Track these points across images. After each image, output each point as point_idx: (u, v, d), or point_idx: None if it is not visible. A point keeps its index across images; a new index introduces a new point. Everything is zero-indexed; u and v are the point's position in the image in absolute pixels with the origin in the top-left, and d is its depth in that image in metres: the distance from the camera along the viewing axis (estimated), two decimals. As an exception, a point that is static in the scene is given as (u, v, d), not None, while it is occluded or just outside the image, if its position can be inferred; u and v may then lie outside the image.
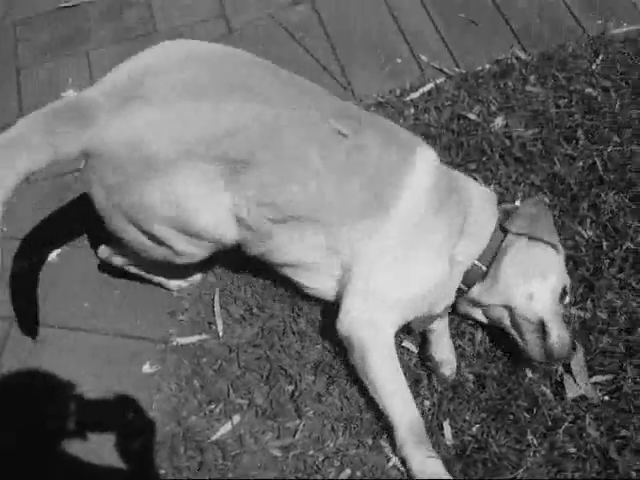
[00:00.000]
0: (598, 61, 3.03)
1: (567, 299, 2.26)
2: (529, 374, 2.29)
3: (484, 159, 2.71)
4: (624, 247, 2.47)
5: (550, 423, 2.20)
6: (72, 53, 3.28)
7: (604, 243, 2.50)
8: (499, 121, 2.83)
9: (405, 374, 2.18)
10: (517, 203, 2.51)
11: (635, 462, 2.11)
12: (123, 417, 2.34)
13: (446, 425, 2.23)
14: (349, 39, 3.19)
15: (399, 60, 3.11)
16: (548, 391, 2.27)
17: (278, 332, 2.43)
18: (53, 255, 2.68)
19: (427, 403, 2.29)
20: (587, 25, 3.15)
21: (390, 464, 2.19)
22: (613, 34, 3.14)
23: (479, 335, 2.38)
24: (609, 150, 2.72)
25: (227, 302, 2.51)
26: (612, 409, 2.21)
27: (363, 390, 2.26)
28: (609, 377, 2.29)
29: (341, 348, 2.28)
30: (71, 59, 3.26)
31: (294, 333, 2.42)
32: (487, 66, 3.04)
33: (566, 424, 2.19)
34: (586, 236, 2.53)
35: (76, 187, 2.81)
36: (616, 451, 2.13)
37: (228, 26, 3.29)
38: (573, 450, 2.16)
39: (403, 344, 2.39)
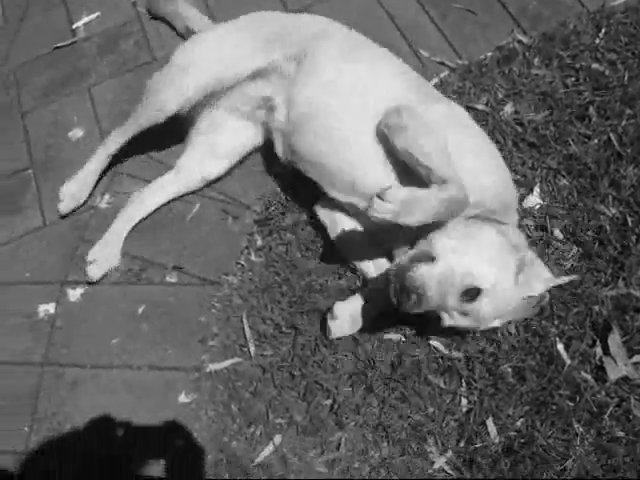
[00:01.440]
0: (601, 35, 2.97)
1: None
2: (568, 361, 2.25)
3: (498, 148, 2.67)
4: (650, 221, 2.43)
5: (595, 409, 2.16)
6: (74, 91, 3.28)
7: (629, 219, 2.45)
8: (508, 108, 2.78)
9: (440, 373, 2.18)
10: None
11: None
12: (170, 445, 2.34)
13: (489, 422, 2.20)
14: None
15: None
16: (589, 377, 2.23)
17: (310, 347, 2.41)
18: (77, 294, 2.68)
19: (465, 402, 2.26)
20: (586, 0, 3.10)
21: (437, 466, 2.17)
22: (613, 5, 3.08)
23: (513, 328, 2.34)
24: (623, 124, 2.67)
25: (256, 323, 2.49)
26: (662, 392, 2.16)
27: (402, 397, 2.25)
28: (650, 355, 2.25)
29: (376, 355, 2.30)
30: (74, 97, 3.26)
31: (326, 346, 2.39)
32: (489, 54, 2.99)
33: (611, 408, 2.16)
34: (610, 214, 2.48)
35: (93, 224, 2.81)
36: (666, 431, 2.10)
37: (225, 46, 3.26)
38: (621, 434, 2.13)
39: (431, 342, 2.36)
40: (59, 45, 3.46)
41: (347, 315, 2.36)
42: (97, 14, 3.56)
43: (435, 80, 2.97)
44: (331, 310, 2.36)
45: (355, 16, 3.13)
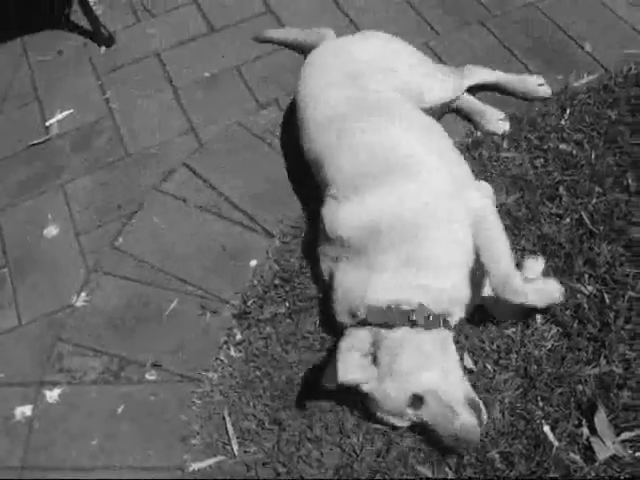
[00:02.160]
0: (566, 116, 3.04)
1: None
2: (555, 443, 2.23)
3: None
4: (626, 297, 2.44)
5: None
6: (48, 189, 3.29)
7: (606, 296, 2.46)
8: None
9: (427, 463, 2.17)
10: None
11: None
12: None
13: (480, 513, 2.17)
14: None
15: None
16: (578, 457, 2.20)
17: (294, 442, 2.36)
18: (54, 395, 2.63)
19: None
20: (549, 83, 3.18)
21: None
22: (576, 87, 3.17)
23: (498, 413, 2.32)
24: (593, 202, 2.70)
25: (238, 419, 2.45)
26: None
27: (389, 489, 2.22)
28: (637, 432, 2.23)
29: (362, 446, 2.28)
30: (48, 195, 3.27)
31: (310, 441, 2.35)
32: (457, 139, 3.04)
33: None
34: (587, 292, 2.49)
35: (70, 323, 2.78)
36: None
37: (198, 140, 3.31)
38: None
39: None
40: (34, 142, 3.49)
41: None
42: (70, 111, 3.61)
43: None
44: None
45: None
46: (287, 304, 2.66)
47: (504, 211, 2.72)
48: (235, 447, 2.39)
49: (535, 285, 2.29)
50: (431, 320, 2.24)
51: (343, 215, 2.39)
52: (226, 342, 2.63)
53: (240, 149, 3.22)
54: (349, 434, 2.35)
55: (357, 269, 2.33)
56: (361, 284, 2.30)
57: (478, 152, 2.96)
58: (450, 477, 2.23)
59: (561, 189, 2.76)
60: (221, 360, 2.59)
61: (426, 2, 3.69)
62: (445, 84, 2.97)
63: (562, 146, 2.92)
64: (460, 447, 2.17)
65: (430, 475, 2.25)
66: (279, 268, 2.77)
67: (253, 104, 3.41)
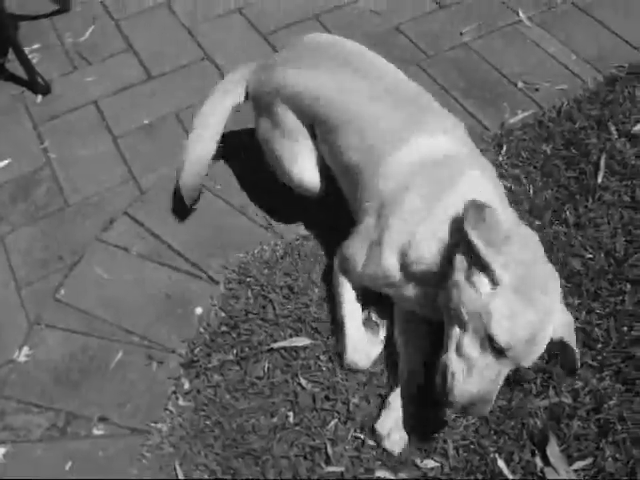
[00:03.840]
0: (503, 152, 3.12)
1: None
2: (510, 476, 2.25)
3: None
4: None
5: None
6: (-14, 242, 3.22)
7: (551, 328, 2.50)
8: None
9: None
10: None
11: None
12: None
13: None
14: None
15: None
16: (532, 490, 2.22)
17: (249, 492, 2.33)
18: (-1, 456, 2.56)
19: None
20: (485, 121, 3.25)
21: None
22: (511, 124, 3.25)
23: (451, 449, 2.33)
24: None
25: (189, 470, 2.39)
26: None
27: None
28: (589, 461, 2.27)
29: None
30: (-14, 248, 3.20)
31: (264, 489, 2.33)
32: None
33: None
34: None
35: (12, 379, 2.71)
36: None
37: (139, 188, 3.28)
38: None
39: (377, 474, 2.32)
40: (-30, 196, 3.42)
41: (394, 426, 2.38)
42: (8, 161, 3.54)
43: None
44: (377, 432, 2.38)
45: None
46: (234, 351, 2.63)
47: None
48: (188, 501, 2.35)
49: None
50: None
51: None
52: (174, 392, 2.59)
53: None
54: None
55: None
56: None
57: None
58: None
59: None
60: (170, 411, 2.54)
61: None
62: None
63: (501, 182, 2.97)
64: None
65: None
66: (225, 315, 2.75)
67: (194, 151, 3.40)
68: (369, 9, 4.03)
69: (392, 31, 3.89)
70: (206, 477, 2.38)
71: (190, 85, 3.73)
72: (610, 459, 2.25)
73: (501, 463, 2.28)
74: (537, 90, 3.45)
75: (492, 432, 2.35)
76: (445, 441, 2.35)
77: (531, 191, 2.91)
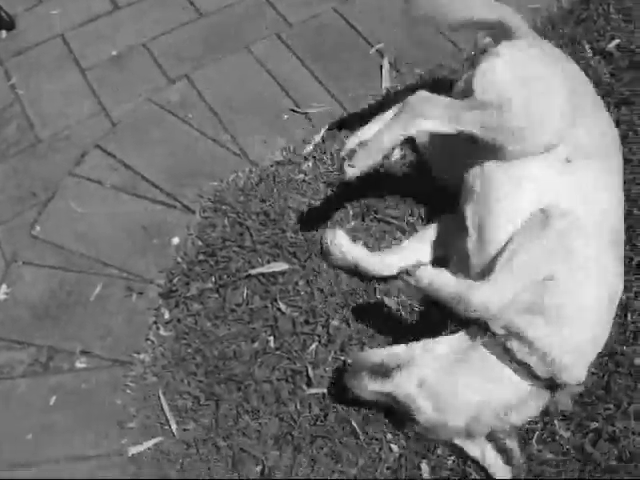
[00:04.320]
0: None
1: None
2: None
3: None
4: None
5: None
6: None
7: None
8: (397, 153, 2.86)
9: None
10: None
11: (611, 450, 2.14)
12: None
13: (424, 465, 2.21)
14: (234, 108, 3.18)
15: (286, 116, 3.11)
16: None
17: (232, 416, 2.36)
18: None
19: (396, 448, 2.25)
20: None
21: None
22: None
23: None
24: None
25: (173, 398, 2.42)
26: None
27: (331, 452, 2.25)
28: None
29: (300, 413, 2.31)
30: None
31: (248, 413, 2.35)
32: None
33: (537, 432, 2.20)
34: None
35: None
36: (591, 444, 2.15)
37: (110, 120, 3.24)
38: (550, 456, 2.16)
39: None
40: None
41: None
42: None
43: (322, 133, 3.01)
44: None
45: (235, 80, 3.17)
46: (213, 279, 2.63)
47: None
48: (173, 426, 2.37)
49: None
50: None
51: None
52: (155, 322, 2.60)
53: (153, 126, 3.16)
54: (285, 402, 2.36)
55: None
56: None
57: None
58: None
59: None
60: (151, 341, 2.55)
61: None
62: None
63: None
64: None
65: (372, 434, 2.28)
66: (202, 244, 2.74)
67: (163, 80, 3.35)
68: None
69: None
70: (190, 404, 2.41)
71: (157, 15, 3.65)
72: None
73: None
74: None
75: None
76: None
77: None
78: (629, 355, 2.29)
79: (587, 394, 2.22)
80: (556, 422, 2.19)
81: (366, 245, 2.61)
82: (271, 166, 2.94)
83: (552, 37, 3.16)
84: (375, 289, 2.54)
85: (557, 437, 2.18)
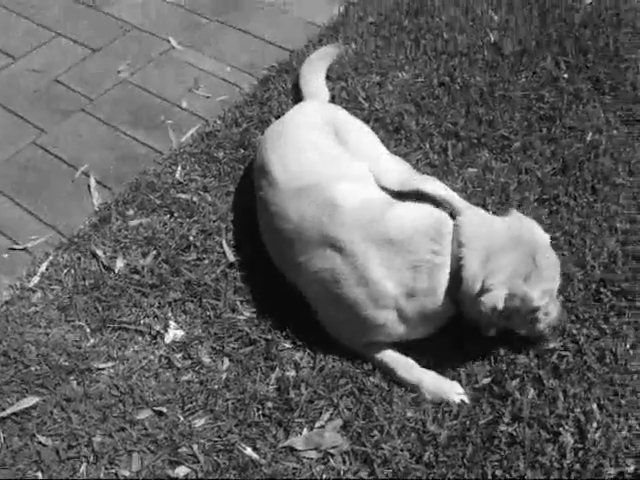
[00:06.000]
0: (179, 169, 3.34)
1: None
2: (262, 461, 2.39)
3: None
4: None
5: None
6: None
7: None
8: (119, 263, 2.98)
9: None
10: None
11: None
12: None
13: None
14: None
15: (6, 255, 3.12)
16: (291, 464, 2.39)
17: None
18: None
19: None
20: (156, 145, 3.47)
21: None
22: (182, 142, 3.52)
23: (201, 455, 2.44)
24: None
25: None
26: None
27: None
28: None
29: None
30: None
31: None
32: (86, 221, 3.21)
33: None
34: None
35: None
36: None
37: None
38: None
39: None
40: None
41: None
42: None
43: (46, 262, 3.05)
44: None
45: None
46: None
47: (147, 271, 2.92)
48: None
49: None
50: None
51: None
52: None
53: None
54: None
55: None
56: None
57: (108, 227, 3.13)
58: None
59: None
60: None
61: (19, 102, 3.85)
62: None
63: (183, 196, 3.20)
64: None
65: None
66: None
67: None
68: (29, 69, 4.05)
69: (53, 84, 3.94)
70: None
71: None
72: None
73: (250, 451, 2.43)
74: (199, 106, 3.70)
75: (234, 426, 2.49)
76: (191, 447, 2.47)
77: (210, 199, 3.19)
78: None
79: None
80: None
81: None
82: (1, 307, 2.93)
83: (242, 121, 3.53)
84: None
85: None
